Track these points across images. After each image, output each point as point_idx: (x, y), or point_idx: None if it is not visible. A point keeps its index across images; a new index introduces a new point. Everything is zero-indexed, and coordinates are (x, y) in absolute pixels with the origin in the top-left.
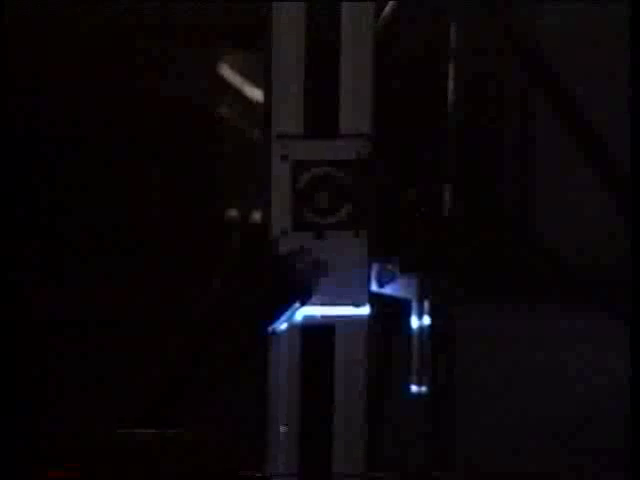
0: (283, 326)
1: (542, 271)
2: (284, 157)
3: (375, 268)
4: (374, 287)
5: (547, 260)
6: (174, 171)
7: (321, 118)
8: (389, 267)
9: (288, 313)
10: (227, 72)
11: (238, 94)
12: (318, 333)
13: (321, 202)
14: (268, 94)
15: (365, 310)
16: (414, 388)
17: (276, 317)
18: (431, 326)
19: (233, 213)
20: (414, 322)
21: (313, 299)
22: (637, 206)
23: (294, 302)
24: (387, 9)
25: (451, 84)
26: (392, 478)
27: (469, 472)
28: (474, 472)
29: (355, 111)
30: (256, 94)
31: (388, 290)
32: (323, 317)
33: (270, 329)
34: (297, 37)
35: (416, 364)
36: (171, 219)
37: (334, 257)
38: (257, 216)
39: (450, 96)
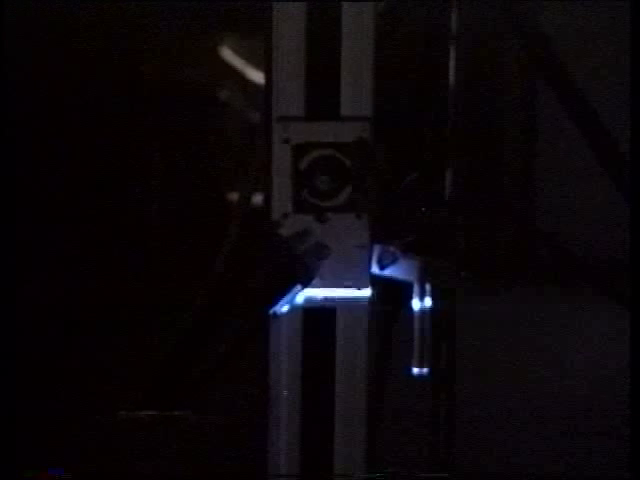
0: (284, 309)
1: (542, 255)
2: (285, 139)
3: (376, 250)
4: (375, 269)
5: (547, 244)
6: (175, 155)
7: (322, 101)
8: (390, 249)
9: (289, 296)
10: (229, 55)
11: (240, 77)
12: (319, 316)
13: (322, 185)
14: (269, 76)
15: (366, 292)
16: (415, 370)
17: (277, 300)
18: (432, 308)
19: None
20: (415, 304)
21: (314, 282)
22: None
23: (295, 285)
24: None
25: (452, 69)
26: (392, 478)
27: (469, 472)
28: (474, 472)
29: (356, 94)
30: (258, 77)
31: (389, 272)
32: (324, 300)
33: (271, 312)
34: (298, 19)
35: (417, 346)
36: (172, 202)
37: (335, 240)
38: (259, 198)
39: (451, 80)
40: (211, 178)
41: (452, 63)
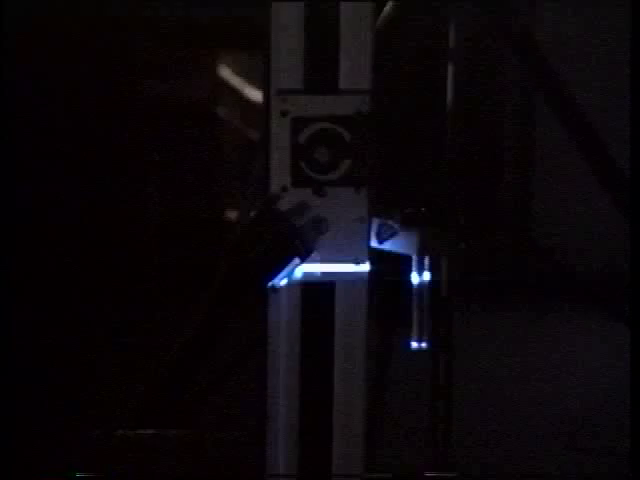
0: (283, 282)
1: (541, 270)
2: (284, 112)
3: (375, 224)
4: (374, 243)
5: (545, 259)
6: (173, 171)
7: (321, 74)
8: (389, 223)
9: (288, 269)
10: (227, 73)
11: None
12: (318, 290)
13: (321, 157)
14: (268, 49)
15: (365, 267)
16: (414, 344)
17: (275, 273)
18: (431, 282)
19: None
20: (414, 278)
21: (313, 256)
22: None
23: (293, 257)
24: (386, 9)
25: (450, 86)
26: (392, 478)
27: (468, 471)
28: (473, 472)
29: (355, 67)
30: (256, 95)
31: (388, 246)
32: (323, 274)
33: (269, 285)
34: None
35: (416, 320)
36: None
37: (334, 213)
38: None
39: (449, 95)
40: (209, 195)
41: (450, 79)
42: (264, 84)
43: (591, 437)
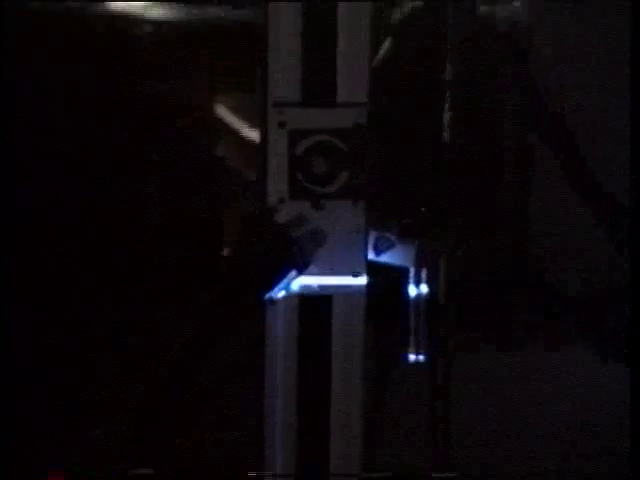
0: (280, 294)
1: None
2: (281, 124)
3: (372, 236)
4: (371, 255)
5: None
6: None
7: (318, 86)
8: (386, 235)
9: (285, 281)
10: (225, 113)
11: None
12: (315, 303)
13: (318, 168)
14: (265, 62)
15: (363, 280)
16: (411, 357)
17: (273, 284)
18: (428, 294)
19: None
20: (411, 290)
21: (310, 269)
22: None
23: (291, 269)
24: (385, 45)
25: (447, 116)
26: (392, 478)
27: (468, 471)
28: (473, 472)
29: (352, 80)
30: (253, 135)
31: (385, 258)
32: (320, 287)
33: (267, 297)
34: (295, 4)
35: (413, 332)
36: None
37: (332, 226)
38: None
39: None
40: (206, 236)
41: (446, 111)
42: (261, 96)
43: (591, 437)
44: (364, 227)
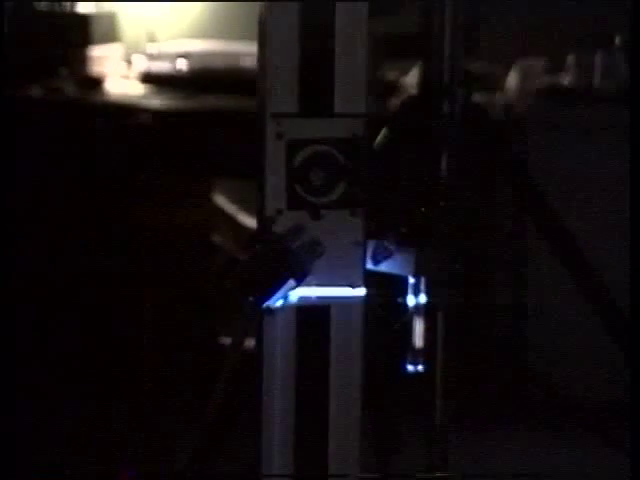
0: (278, 304)
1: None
2: (279, 135)
3: (370, 245)
4: (369, 265)
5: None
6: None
7: (316, 97)
8: (385, 244)
9: (283, 291)
10: (222, 201)
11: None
12: (313, 314)
13: (316, 179)
14: (263, 72)
15: (361, 291)
16: (410, 367)
17: (271, 294)
18: (427, 304)
19: None
20: (410, 300)
21: (308, 279)
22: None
23: (289, 279)
24: (382, 134)
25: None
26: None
27: (468, 471)
28: (473, 472)
29: (350, 90)
30: (250, 222)
31: (384, 267)
32: (318, 298)
33: (264, 307)
34: (292, 14)
35: (412, 342)
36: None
37: (330, 237)
38: None
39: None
40: (203, 322)
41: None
42: (258, 106)
43: (591, 436)
44: (363, 238)
